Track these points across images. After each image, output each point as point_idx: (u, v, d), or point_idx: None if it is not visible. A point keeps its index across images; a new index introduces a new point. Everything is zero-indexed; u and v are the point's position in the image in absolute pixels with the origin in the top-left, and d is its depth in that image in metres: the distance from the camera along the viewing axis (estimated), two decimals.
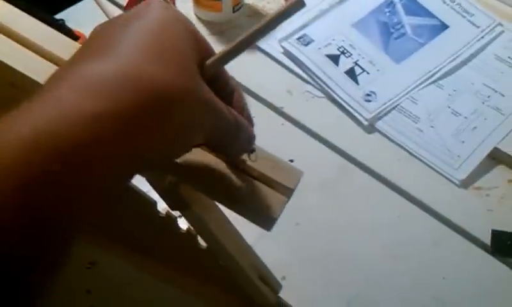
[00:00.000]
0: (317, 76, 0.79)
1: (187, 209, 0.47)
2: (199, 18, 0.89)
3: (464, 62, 0.79)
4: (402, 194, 0.70)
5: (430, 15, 0.84)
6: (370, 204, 0.69)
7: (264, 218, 0.41)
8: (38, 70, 0.44)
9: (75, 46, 0.47)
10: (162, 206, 0.53)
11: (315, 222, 0.68)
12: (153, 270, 0.61)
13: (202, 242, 0.55)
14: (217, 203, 0.48)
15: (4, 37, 0.46)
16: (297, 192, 0.44)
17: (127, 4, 0.90)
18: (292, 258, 0.64)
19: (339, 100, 0.77)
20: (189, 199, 0.46)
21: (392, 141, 0.73)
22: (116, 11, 0.89)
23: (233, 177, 0.42)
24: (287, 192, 0.42)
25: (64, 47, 0.46)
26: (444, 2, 0.85)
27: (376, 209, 0.69)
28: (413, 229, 0.67)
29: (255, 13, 0.90)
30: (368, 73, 0.79)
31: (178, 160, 0.41)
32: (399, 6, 0.85)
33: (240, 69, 0.83)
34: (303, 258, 0.65)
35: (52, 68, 0.45)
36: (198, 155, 0.42)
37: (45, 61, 0.45)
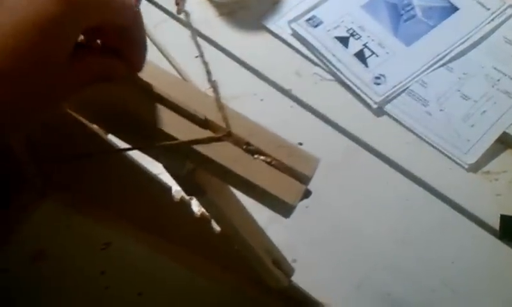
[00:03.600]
0: (326, 58, 0.78)
1: (203, 195, 0.47)
2: None
3: (474, 45, 0.79)
4: (411, 178, 0.70)
5: None
6: (379, 187, 0.70)
7: (282, 205, 0.41)
8: None
9: None
10: (176, 190, 0.53)
11: (325, 205, 0.68)
12: (167, 251, 0.62)
13: (216, 227, 0.55)
14: (232, 189, 0.48)
15: None
16: None
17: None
18: (302, 240, 0.65)
19: (348, 82, 0.76)
20: (204, 185, 0.46)
21: (401, 124, 0.73)
22: None
23: (253, 166, 0.41)
24: (305, 179, 0.42)
25: None
26: None
27: (385, 192, 0.69)
28: (422, 213, 0.67)
29: None
30: (377, 55, 0.78)
31: (200, 150, 0.41)
32: None
33: (249, 50, 0.83)
34: (313, 241, 0.65)
35: None
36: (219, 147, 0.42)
37: None
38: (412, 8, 0.83)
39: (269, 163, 0.42)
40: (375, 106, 0.74)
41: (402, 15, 0.82)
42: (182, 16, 0.86)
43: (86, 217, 0.65)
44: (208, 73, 0.46)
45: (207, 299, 0.60)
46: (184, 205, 0.54)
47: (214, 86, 0.45)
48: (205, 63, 0.46)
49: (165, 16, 0.86)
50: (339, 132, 0.73)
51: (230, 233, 0.51)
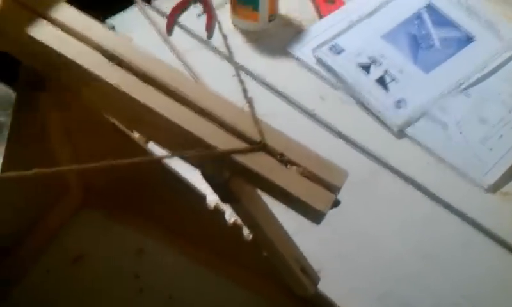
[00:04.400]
0: (348, 83, 0.82)
1: (237, 202, 0.50)
2: (236, 26, 0.92)
3: (491, 73, 0.82)
4: (432, 197, 0.73)
5: (457, 27, 0.87)
6: (402, 205, 0.72)
7: (314, 212, 0.44)
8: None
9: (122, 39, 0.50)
10: (210, 199, 0.57)
11: (350, 220, 0.71)
12: (198, 257, 0.65)
13: (247, 234, 0.59)
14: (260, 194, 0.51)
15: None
16: None
17: (170, 14, 0.94)
18: (327, 252, 0.68)
19: (370, 106, 0.80)
20: (239, 193, 0.49)
21: (422, 146, 0.76)
22: (160, 20, 0.93)
23: (287, 175, 0.45)
24: (334, 189, 0.45)
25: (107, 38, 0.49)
26: (470, 16, 0.88)
27: (407, 210, 0.72)
28: (443, 231, 0.70)
29: (289, 23, 0.93)
30: (398, 81, 0.82)
31: (238, 159, 0.44)
32: (427, 19, 0.88)
33: (275, 75, 0.87)
34: (338, 254, 0.68)
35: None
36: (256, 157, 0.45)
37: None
38: (430, 38, 0.86)
39: (301, 173, 0.46)
40: (396, 129, 0.78)
41: (421, 44, 0.86)
42: (212, 41, 0.91)
43: (122, 223, 0.68)
44: (245, 90, 0.49)
45: (234, 304, 0.63)
46: (218, 213, 0.57)
47: (250, 102, 0.48)
48: (241, 81, 0.50)
49: (195, 41, 0.91)
50: (362, 153, 0.77)
51: (261, 240, 0.55)
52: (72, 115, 0.59)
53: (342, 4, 0.94)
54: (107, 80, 0.47)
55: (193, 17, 0.95)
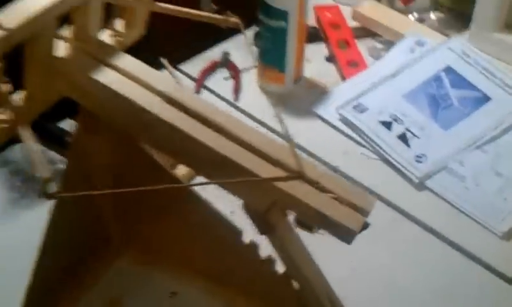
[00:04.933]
0: (371, 140, 0.91)
1: (274, 233, 0.58)
2: (262, 89, 1.02)
3: (506, 130, 0.91)
4: (451, 244, 0.80)
5: (474, 88, 0.97)
6: (420, 251, 0.80)
7: (347, 232, 0.52)
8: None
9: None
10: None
11: (372, 266, 0.78)
12: (230, 299, 0.72)
13: (280, 269, 0.65)
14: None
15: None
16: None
17: (199, 78, 1.04)
18: (351, 295, 0.74)
19: (392, 160, 0.88)
20: (276, 224, 0.57)
21: (441, 197, 0.84)
22: (188, 83, 1.03)
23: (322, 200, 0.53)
24: (365, 213, 0.53)
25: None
26: (486, 77, 0.98)
27: (428, 256, 0.79)
28: (462, 276, 0.77)
29: (313, 85, 1.03)
30: (418, 138, 0.90)
31: (279, 185, 0.52)
32: (445, 80, 0.98)
33: (301, 133, 0.95)
34: (361, 296, 0.75)
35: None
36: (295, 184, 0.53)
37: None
38: (449, 98, 0.96)
39: (335, 198, 0.53)
40: (417, 181, 0.86)
41: (440, 103, 0.95)
42: (239, 103, 1.00)
43: (157, 267, 0.75)
44: (285, 129, 0.58)
45: None
46: (253, 247, 0.65)
47: (289, 139, 0.57)
48: (282, 122, 0.58)
49: (223, 104, 1.00)
50: (384, 203, 0.84)
51: (294, 273, 0.61)
52: (118, 161, 0.67)
53: (365, 67, 1.04)
54: (163, 117, 0.56)
55: (220, 80, 1.05)
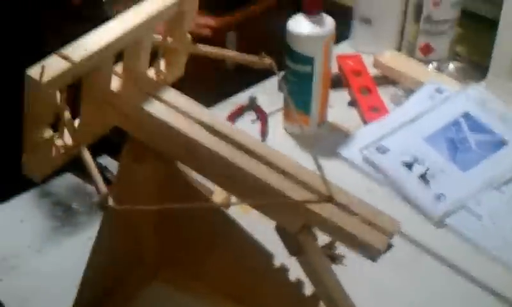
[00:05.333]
0: (393, 179, 0.98)
1: (304, 255, 0.64)
2: (288, 130, 1.10)
3: None
4: (469, 278, 0.86)
5: (491, 133, 1.04)
6: (442, 285, 0.85)
7: (373, 250, 0.58)
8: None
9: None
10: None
11: (393, 298, 0.84)
12: None
13: (308, 291, 0.72)
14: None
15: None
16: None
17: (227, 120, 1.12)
18: None
19: (412, 199, 0.95)
20: (306, 246, 0.64)
21: (459, 234, 0.91)
22: None
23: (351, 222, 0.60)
24: (389, 234, 0.60)
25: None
26: (502, 123, 1.05)
27: (447, 289, 0.85)
28: None
29: (336, 128, 1.11)
30: (438, 178, 0.97)
31: (310, 207, 0.59)
32: (464, 125, 1.05)
33: (325, 171, 1.02)
34: None
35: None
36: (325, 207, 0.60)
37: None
38: (467, 142, 1.03)
39: (362, 221, 0.60)
40: (436, 219, 0.92)
41: (458, 147, 1.02)
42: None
43: (189, 291, 0.81)
44: (315, 158, 0.65)
45: None
46: (283, 271, 0.71)
47: (319, 167, 0.64)
48: (315, 158, 0.66)
49: None
50: (405, 240, 0.91)
51: (323, 295, 0.68)
52: (160, 188, 0.75)
53: (386, 112, 1.12)
54: (205, 145, 0.64)
55: (248, 123, 1.13)
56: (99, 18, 1.57)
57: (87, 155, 0.60)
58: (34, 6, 1.77)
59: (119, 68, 0.69)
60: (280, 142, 1.08)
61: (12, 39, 1.93)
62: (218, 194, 0.82)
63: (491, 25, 1.21)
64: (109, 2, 1.50)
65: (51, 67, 0.58)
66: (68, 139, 0.66)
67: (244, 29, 1.55)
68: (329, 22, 1.02)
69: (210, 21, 1.46)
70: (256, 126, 1.12)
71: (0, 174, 1.05)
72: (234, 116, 1.14)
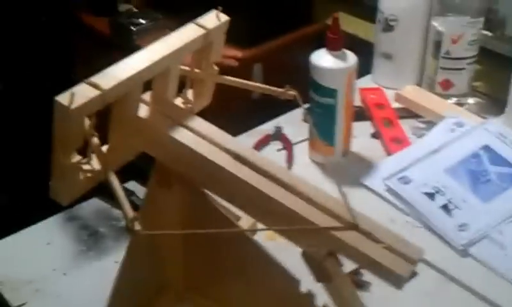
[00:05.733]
0: (415, 209, 0.94)
1: (330, 282, 0.61)
2: (313, 160, 1.07)
3: None
4: (492, 305, 0.81)
5: (510, 165, 1.00)
6: None
7: (397, 278, 0.55)
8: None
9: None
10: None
11: None
12: None
13: None
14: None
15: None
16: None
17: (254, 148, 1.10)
18: None
19: (436, 229, 0.91)
20: (332, 272, 0.60)
21: (483, 263, 0.86)
22: None
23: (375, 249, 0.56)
24: (413, 261, 0.57)
25: None
26: None
27: None
28: None
29: (360, 158, 1.07)
30: (460, 209, 0.93)
31: (335, 234, 0.56)
32: (484, 158, 1.01)
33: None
34: None
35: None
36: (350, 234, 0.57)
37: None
38: (487, 174, 0.99)
39: (386, 248, 0.57)
40: (460, 248, 0.88)
41: (479, 178, 0.98)
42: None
43: None
44: (339, 186, 0.62)
45: None
46: (310, 297, 0.68)
47: (343, 194, 0.61)
48: (339, 186, 0.63)
49: None
50: (429, 268, 0.87)
51: None
52: (187, 213, 0.72)
53: (408, 144, 1.08)
54: (231, 171, 0.61)
55: (274, 152, 1.10)
56: (128, 47, 1.60)
57: (114, 180, 0.57)
58: (66, 35, 1.80)
59: (147, 96, 0.68)
60: (305, 171, 1.05)
61: (44, 66, 1.96)
62: (245, 220, 0.79)
63: (508, 62, 1.20)
64: (138, 32, 1.50)
65: (80, 94, 0.57)
66: (96, 164, 0.64)
67: (270, 61, 1.54)
68: (351, 56, 1.00)
69: (237, 53, 1.46)
70: (282, 156, 1.09)
71: (29, 198, 1.04)
72: (260, 145, 1.12)
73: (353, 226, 0.57)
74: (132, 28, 1.51)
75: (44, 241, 0.92)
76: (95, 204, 0.98)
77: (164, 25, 1.54)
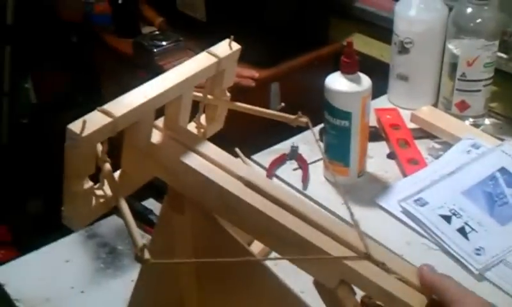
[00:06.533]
0: (432, 231, 0.91)
1: None
2: (328, 180, 1.04)
3: None
4: None
5: None
6: None
7: None
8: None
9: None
10: None
11: None
12: None
13: None
14: None
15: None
16: None
17: (269, 167, 1.07)
18: None
19: (452, 252, 0.87)
20: (345, 301, 0.57)
21: (499, 288, 0.83)
22: (260, 171, 1.06)
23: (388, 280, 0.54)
24: (426, 293, 0.53)
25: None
26: None
27: None
28: None
29: (375, 179, 1.04)
30: (477, 232, 0.90)
31: (347, 263, 0.53)
32: (500, 180, 0.97)
33: (364, 222, 0.96)
34: None
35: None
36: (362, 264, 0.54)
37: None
38: (504, 196, 0.95)
39: (399, 279, 0.54)
40: (476, 272, 0.84)
41: (496, 201, 0.94)
42: (307, 191, 1.02)
43: None
44: (352, 214, 0.59)
45: None
46: None
47: (356, 223, 0.58)
48: (349, 207, 0.60)
49: (292, 191, 1.02)
50: None
51: None
52: (199, 239, 0.70)
53: (424, 165, 1.05)
54: (242, 198, 0.59)
55: (289, 171, 1.08)
56: (149, 66, 1.60)
57: (125, 207, 0.55)
58: (93, 54, 1.81)
59: (160, 122, 0.66)
60: (320, 191, 1.03)
61: (75, 82, 1.98)
62: (257, 243, 0.77)
63: None
64: (159, 54, 1.50)
65: (92, 122, 0.55)
66: (108, 189, 0.62)
67: (287, 81, 1.52)
68: (365, 80, 0.98)
69: (254, 73, 1.44)
70: (298, 175, 1.07)
71: (49, 216, 1.02)
72: (276, 164, 1.09)
73: (366, 256, 0.55)
74: (154, 49, 1.50)
75: (63, 258, 0.91)
76: (114, 221, 0.96)
77: (184, 46, 1.53)
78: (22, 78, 2.20)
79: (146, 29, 1.67)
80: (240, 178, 0.61)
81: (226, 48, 0.68)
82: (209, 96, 0.70)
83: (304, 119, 0.69)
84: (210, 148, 0.64)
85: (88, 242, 0.94)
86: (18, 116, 2.22)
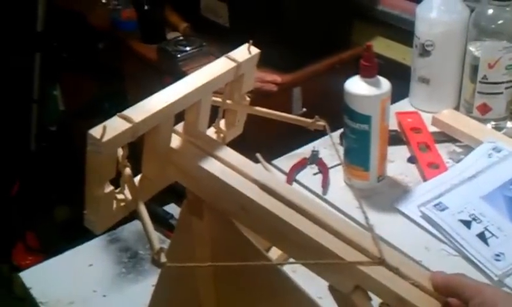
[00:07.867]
0: (451, 237, 0.90)
1: None
2: (348, 184, 1.04)
3: None
4: None
5: None
6: None
7: None
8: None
9: None
10: None
11: None
12: None
13: None
14: None
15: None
16: None
17: (290, 172, 1.07)
18: None
19: (472, 258, 0.87)
20: (360, 305, 0.57)
21: None
22: (280, 176, 1.06)
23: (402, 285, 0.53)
24: (441, 299, 0.53)
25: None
26: None
27: None
28: None
29: (395, 184, 1.04)
30: (497, 237, 0.89)
31: (362, 269, 0.53)
32: None
33: (383, 227, 0.96)
34: None
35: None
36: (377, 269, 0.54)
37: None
38: None
39: (413, 284, 0.54)
40: (496, 279, 0.83)
41: None
42: (327, 196, 1.02)
43: None
44: (366, 218, 0.59)
45: None
46: None
47: (370, 227, 0.58)
48: (364, 211, 0.60)
49: (312, 196, 1.02)
50: None
51: None
52: (217, 243, 0.70)
53: (445, 169, 1.04)
54: (259, 203, 0.59)
55: (309, 175, 1.08)
56: (174, 71, 1.61)
57: (143, 211, 0.56)
58: (118, 60, 1.82)
59: (180, 127, 0.66)
60: (340, 196, 1.02)
61: (102, 87, 2.01)
62: (277, 250, 0.77)
63: None
64: (183, 59, 1.52)
65: (112, 127, 0.56)
66: (128, 193, 0.63)
67: (309, 85, 1.52)
68: (384, 83, 0.97)
69: (276, 77, 1.45)
70: (318, 180, 1.07)
71: (76, 223, 1.04)
72: (296, 169, 1.09)
73: (380, 261, 0.55)
74: (177, 55, 1.51)
75: (86, 263, 0.92)
76: (136, 226, 0.97)
77: (208, 51, 1.54)
78: (51, 86, 2.23)
79: (171, 35, 1.69)
80: (257, 182, 0.61)
81: (245, 52, 0.68)
82: (228, 101, 0.71)
83: (322, 123, 0.69)
84: (229, 153, 0.65)
85: (111, 247, 0.95)
86: (47, 123, 2.24)
